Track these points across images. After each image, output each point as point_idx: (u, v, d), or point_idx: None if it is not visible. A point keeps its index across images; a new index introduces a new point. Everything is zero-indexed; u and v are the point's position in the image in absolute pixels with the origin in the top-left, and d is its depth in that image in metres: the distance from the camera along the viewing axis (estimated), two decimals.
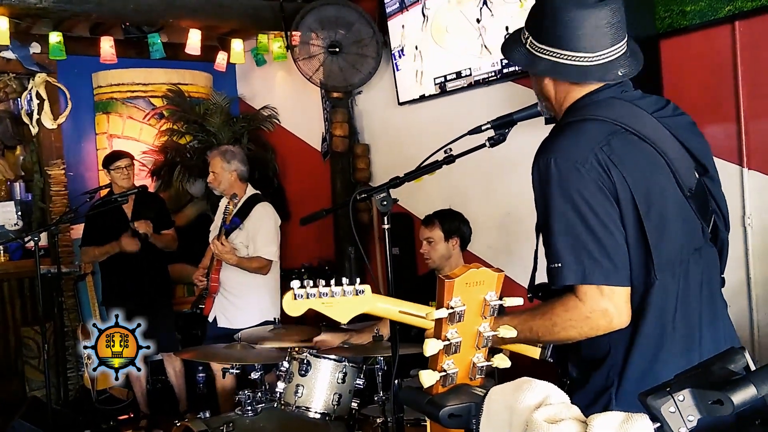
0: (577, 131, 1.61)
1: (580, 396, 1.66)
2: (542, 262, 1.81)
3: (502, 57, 1.88)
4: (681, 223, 1.63)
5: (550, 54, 1.64)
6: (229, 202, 4.12)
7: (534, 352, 1.76)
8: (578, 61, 1.62)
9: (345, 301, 1.44)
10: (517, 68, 3.93)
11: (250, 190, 4.33)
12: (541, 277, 1.82)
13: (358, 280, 1.46)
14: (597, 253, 1.51)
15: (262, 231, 4.23)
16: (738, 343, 1.75)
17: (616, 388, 1.60)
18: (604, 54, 1.62)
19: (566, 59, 1.62)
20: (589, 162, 1.54)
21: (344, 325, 5.18)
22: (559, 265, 1.54)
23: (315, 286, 1.42)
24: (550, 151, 1.60)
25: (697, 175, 1.71)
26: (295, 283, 1.43)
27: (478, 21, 4.04)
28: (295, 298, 1.45)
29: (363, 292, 1.43)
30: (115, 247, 4.65)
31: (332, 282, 1.45)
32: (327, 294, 1.43)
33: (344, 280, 1.45)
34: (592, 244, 1.51)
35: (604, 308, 1.52)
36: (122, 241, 4.61)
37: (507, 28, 3.86)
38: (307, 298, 1.42)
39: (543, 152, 1.61)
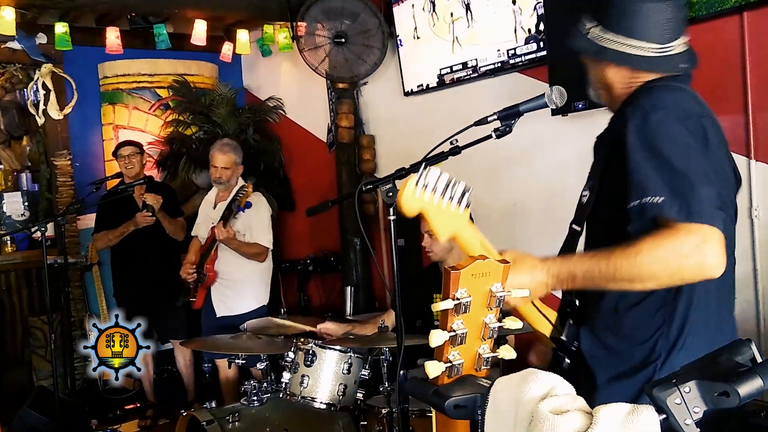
0: (676, 92, 1.61)
1: (607, 369, 1.66)
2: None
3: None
4: (731, 220, 1.64)
5: (620, 44, 1.66)
6: (242, 189, 4.17)
7: (546, 328, 1.72)
8: (648, 51, 1.65)
9: (450, 214, 1.39)
10: (523, 59, 3.92)
11: (240, 180, 4.42)
12: None
13: (468, 194, 1.41)
14: (702, 194, 1.43)
15: (258, 220, 4.34)
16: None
17: (663, 361, 1.59)
18: (671, 46, 1.66)
19: (637, 48, 1.65)
20: (691, 120, 1.54)
21: (349, 316, 5.19)
22: (660, 198, 1.44)
23: (437, 179, 1.36)
24: (651, 98, 1.58)
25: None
26: (423, 171, 1.37)
27: (514, 2, 3.96)
28: (416, 188, 1.38)
29: (468, 206, 1.40)
30: (129, 226, 4.68)
31: (448, 179, 1.41)
32: (443, 195, 1.38)
33: (459, 186, 1.40)
34: (698, 185, 1.44)
35: (699, 242, 1.40)
36: (137, 217, 4.62)
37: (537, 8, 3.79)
38: (431, 194, 1.37)
39: (641, 99, 1.60)
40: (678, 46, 1.67)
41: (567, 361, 1.72)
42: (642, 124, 1.54)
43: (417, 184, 1.37)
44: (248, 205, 4.21)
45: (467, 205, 1.41)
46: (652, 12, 1.63)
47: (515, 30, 3.93)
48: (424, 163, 1.41)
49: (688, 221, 1.41)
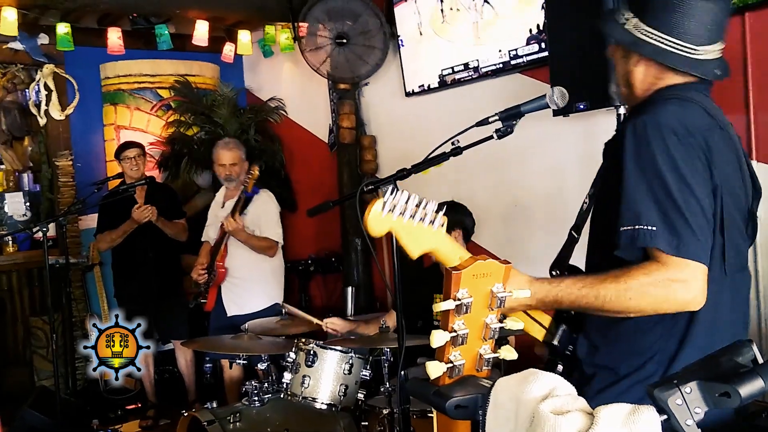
0: (683, 106, 1.55)
1: (599, 377, 1.63)
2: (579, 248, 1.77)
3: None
4: (740, 235, 1.62)
5: (656, 38, 1.60)
6: (248, 173, 4.20)
7: (539, 333, 1.71)
8: (683, 51, 1.59)
9: (422, 231, 1.39)
10: (525, 60, 3.91)
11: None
12: (576, 260, 1.79)
13: (441, 213, 1.41)
14: (694, 227, 1.44)
15: (266, 215, 4.36)
16: None
17: (660, 376, 1.56)
18: (706, 49, 1.60)
19: (672, 47, 1.59)
20: (693, 137, 1.50)
21: (351, 316, 5.19)
22: (652, 228, 1.44)
23: (406, 201, 1.36)
24: (654, 114, 1.53)
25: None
26: (386, 193, 1.37)
27: None
28: (383, 210, 1.36)
29: (443, 225, 1.39)
30: (131, 224, 4.68)
31: (418, 201, 1.39)
32: (413, 216, 1.37)
33: (430, 206, 1.40)
34: (691, 217, 1.44)
35: (686, 278, 1.43)
36: (133, 213, 4.61)
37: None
38: (399, 215, 1.35)
39: (644, 114, 1.54)
40: (713, 51, 1.62)
41: (560, 366, 1.71)
42: (640, 143, 1.50)
43: (384, 206, 1.37)
44: (255, 191, 4.23)
45: (442, 224, 1.41)
46: (696, 10, 1.56)
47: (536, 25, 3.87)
48: (391, 186, 1.41)
49: (678, 255, 1.43)
